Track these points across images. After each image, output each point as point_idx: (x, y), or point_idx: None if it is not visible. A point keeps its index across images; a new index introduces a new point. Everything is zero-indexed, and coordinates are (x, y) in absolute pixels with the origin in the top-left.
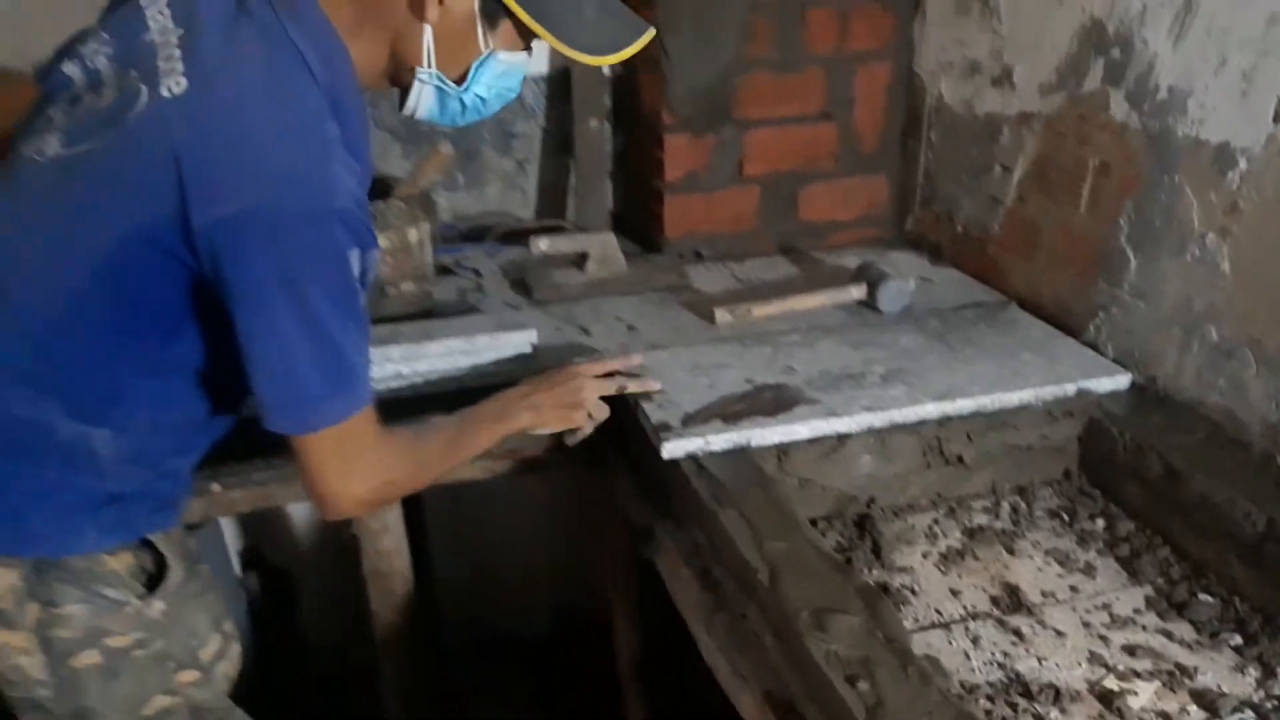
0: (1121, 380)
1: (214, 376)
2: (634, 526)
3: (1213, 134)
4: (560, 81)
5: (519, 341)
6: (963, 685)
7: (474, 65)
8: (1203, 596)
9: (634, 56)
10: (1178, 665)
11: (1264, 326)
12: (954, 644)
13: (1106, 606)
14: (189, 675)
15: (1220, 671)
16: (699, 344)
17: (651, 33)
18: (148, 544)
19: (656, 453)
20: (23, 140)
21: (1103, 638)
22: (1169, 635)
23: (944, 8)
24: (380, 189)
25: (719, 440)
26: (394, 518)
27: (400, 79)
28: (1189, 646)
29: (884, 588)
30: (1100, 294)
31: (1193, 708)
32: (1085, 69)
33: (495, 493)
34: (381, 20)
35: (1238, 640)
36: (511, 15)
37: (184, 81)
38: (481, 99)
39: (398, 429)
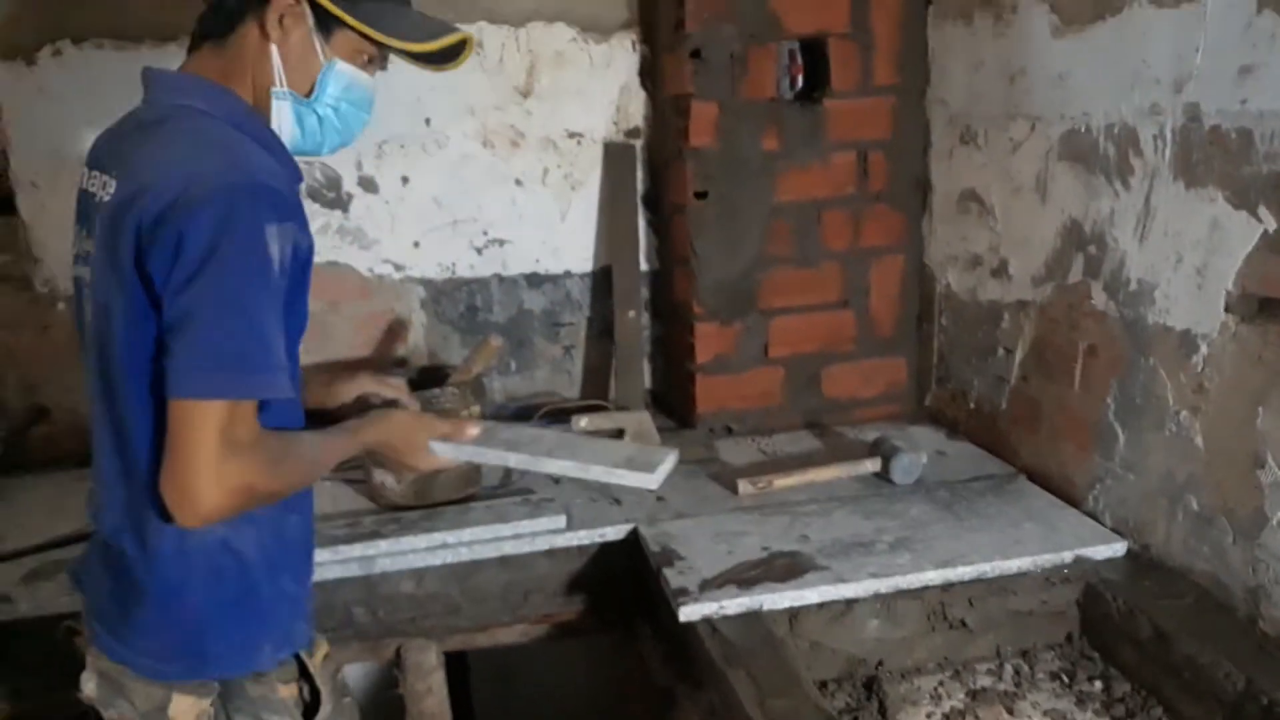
0: (1118, 548)
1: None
2: (658, 689)
3: (1177, 321)
4: (603, 277)
5: (549, 523)
6: None
7: (319, 76)
8: None
9: (670, 257)
10: None
11: (1236, 496)
12: None
13: None
14: None
15: None
16: (722, 513)
17: (470, 34)
18: (306, 676)
19: (675, 616)
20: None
21: None
22: None
23: (947, 208)
24: (436, 377)
25: (733, 605)
26: (438, 680)
27: (265, 106)
28: None
29: None
30: (1097, 466)
31: None
32: (1069, 263)
33: (535, 656)
34: (242, 57)
35: None
36: (341, 22)
37: (111, 182)
38: (334, 110)
39: (271, 433)
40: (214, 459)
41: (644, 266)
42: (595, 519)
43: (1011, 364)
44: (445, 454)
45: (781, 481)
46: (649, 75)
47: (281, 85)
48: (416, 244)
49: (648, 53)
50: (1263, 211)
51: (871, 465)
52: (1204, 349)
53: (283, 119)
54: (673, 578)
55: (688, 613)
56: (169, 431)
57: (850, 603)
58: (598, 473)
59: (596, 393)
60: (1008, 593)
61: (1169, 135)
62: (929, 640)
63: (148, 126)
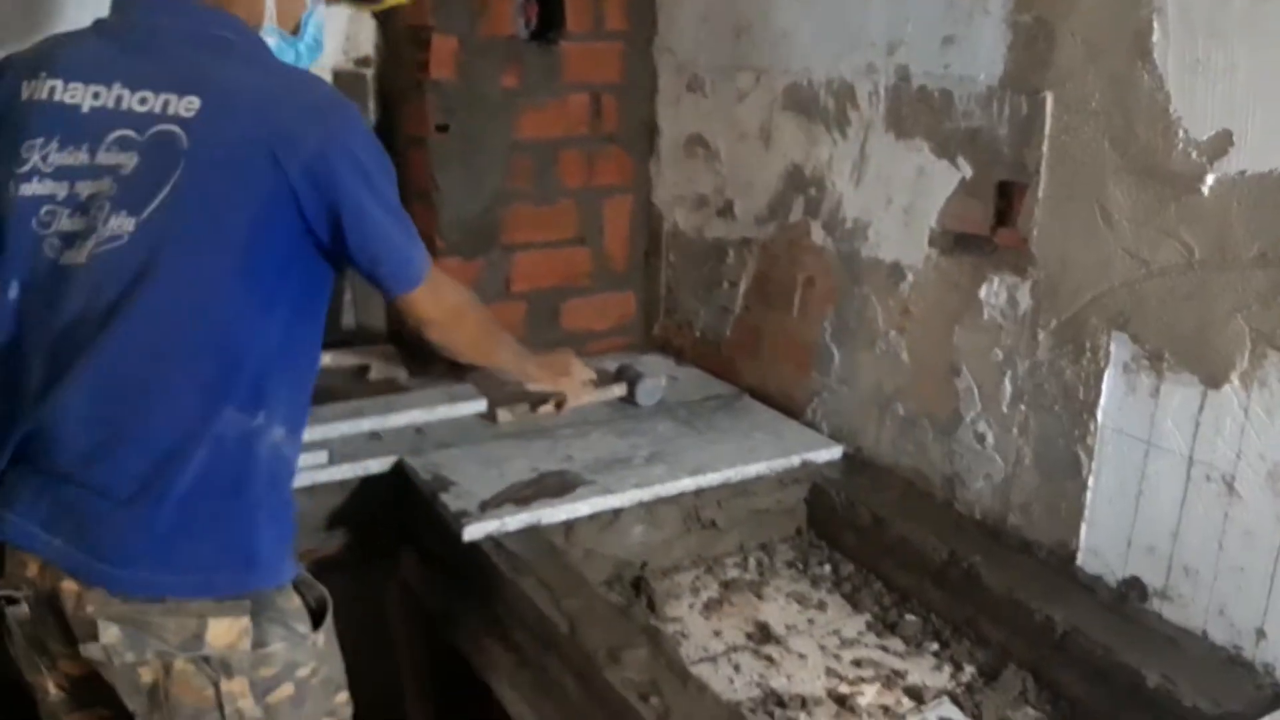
0: (835, 451)
1: (307, 318)
2: (431, 612)
3: (887, 255)
4: None
5: (310, 459)
6: (733, 702)
7: (303, 16)
8: (908, 616)
9: (407, 191)
10: (893, 670)
11: (935, 402)
12: (720, 673)
13: (837, 632)
14: (342, 696)
15: (924, 671)
16: (485, 441)
17: None
18: (311, 586)
19: (457, 538)
20: (42, 267)
21: (835, 655)
22: (885, 648)
23: (675, 151)
24: None
25: (513, 521)
26: None
27: None
28: (900, 655)
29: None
30: (814, 383)
31: (905, 699)
32: (790, 203)
33: None
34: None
35: (935, 646)
36: None
37: (195, 100)
38: (306, 48)
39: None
40: (436, 306)
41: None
42: (356, 453)
43: (735, 296)
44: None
45: (539, 408)
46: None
47: (272, 21)
48: None
49: None
50: (960, 161)
51: (619, 390)
52: (910, 278)
53: None
54: (450, 502)
55: (471, 532)
56: (404, 307)
57: (617, 512)
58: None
59: (329, 328)
60: (748, 494)
61: (882, 92)
62: (685, 540)
63: (185, 44)
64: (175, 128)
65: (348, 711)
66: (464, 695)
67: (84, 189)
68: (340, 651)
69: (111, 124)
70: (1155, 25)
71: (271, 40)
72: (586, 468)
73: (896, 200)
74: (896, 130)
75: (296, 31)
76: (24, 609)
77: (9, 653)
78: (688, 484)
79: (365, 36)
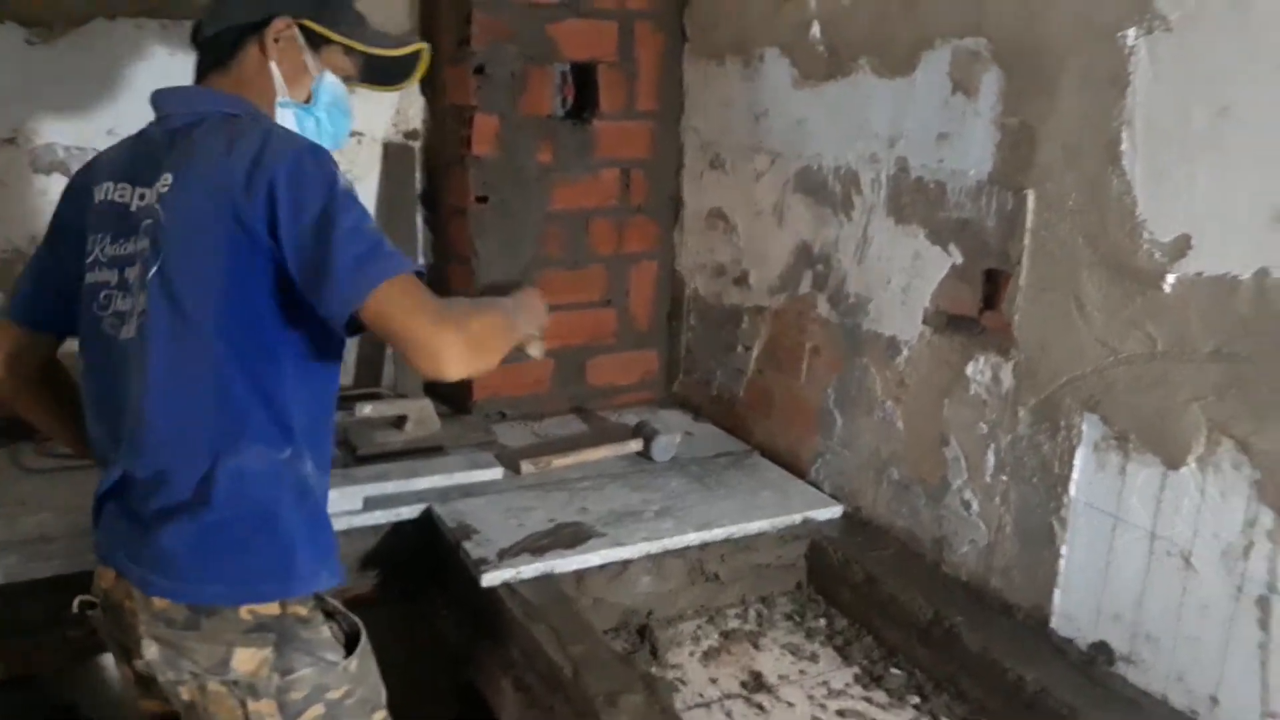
0: (836, 511)
1: (317, 358)
2: (454, 650)
3: (886, 329)
4: None
5: (347, 505)
6: None
7: (313, 86)
8: (894, 670)
9: (448, 255)
10: None
11: (926, 468)
12: (713, 718)
13: (825, 683)
14: (379, 715)
15: None
16: (507, 491)
17: (424, 44)
18: (345, 617)
19: (476, 583)
20: (104, 344)
21: (822, 705)
22: (870, 700)
23: (697, 222)
24: None
25: (528, 570)
26: None
27: (271, 116)
28: (883, 707)
29: (661, 680)
30: (819, 444)
31: None
32: (800, 277)
33: None
34: (245, 75)
35: (917, 700)
36: (326, 39)
37: (169, 177)
38: (326, 115)
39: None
40: (422, 318)
41: (420, 261)
42: (389, 501)
43: (749, 359)
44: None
45: (559, 461)
46: (427, 82)
47: (285, 95)
48: None
49: None
50: (952, 248)
51: (635, 445)
52: (905, 352)
53: (288, 125)
54: (472, 549)
55: (489, 579)
56: (383, 328)
57: (626, 563)
58: None
59: (370, 380)
60: (751, 549)
61: (884, 180)
62: (690, 591)
63: (187, 130)
64: (157, 206)
65: None
66: None
67: (129, 274)
68: (379, 675)
69: (144, 216)
70: (1124, 136)
71: (289, 113)
72: (599, 520)
73: (895, 280)
74: (896, 216)
75: (309, 100)
76: (99, 613)
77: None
78: (693, 538)
79: (414, 112)
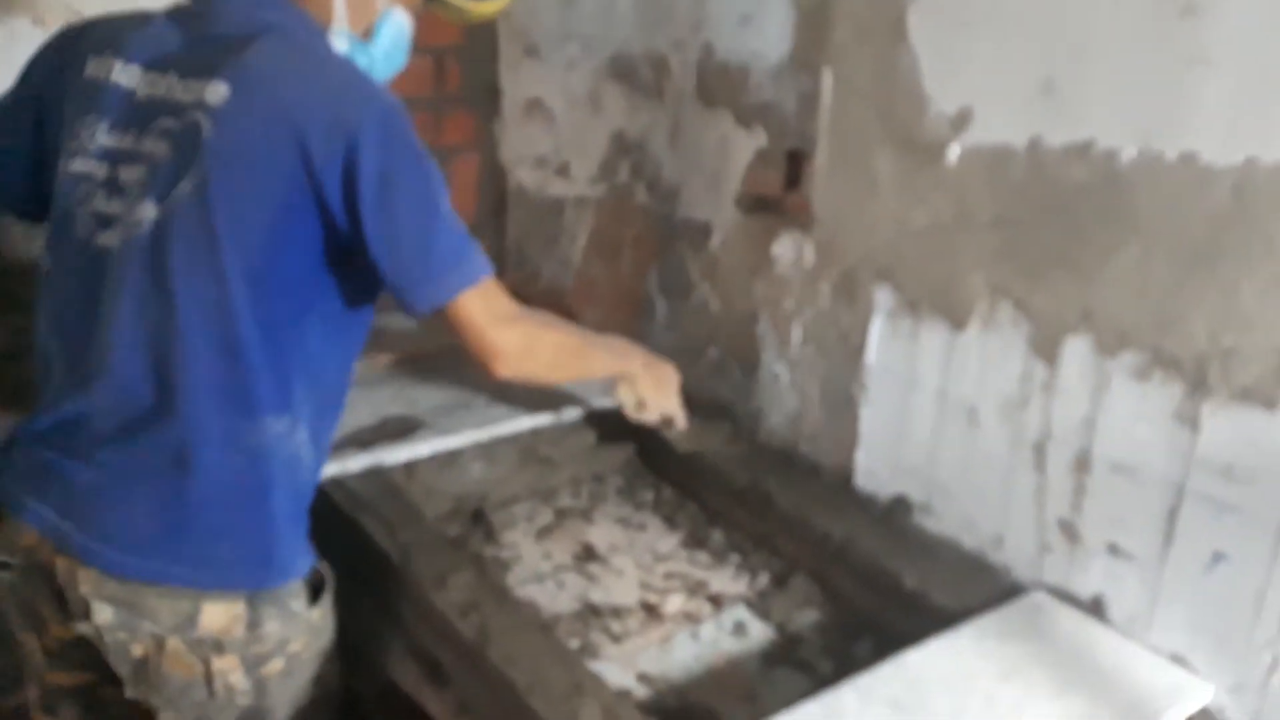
0: None
1: (340, 331)
2: None
3: (698, 215)
4: None
5: None
6: (554, 615)
7: (376, 21)
8: (715, 534)
9: None
10: (698, 580)
11: (740, 345)
12: (547, 590)
13: (653, 549)
14: (329, 664)
15: (725, 580)
16: None
17: None
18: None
19: None
20: (75, 246)
21: (649, 569)
22: (694, 562)
23: (515, 114)
24: None
25: (355, 463)
26: None
27: None
28: (705, 567)
29: (495, 559)
30: (642, 329)
31: (706, 605)
32: (618, 166)
33: None
34: None
35: (737, 559)
36: None
37: (223, 88)
38: (382, 55)
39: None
40: (495, 327)
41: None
42: None
43: (574, 249)
44: None
45: (383, 358)
46: None
47: (343, 24)
48: None
49: None
50: (757, 130)
51: None
52: (717, 236)
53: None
54: None
55: None
56: (459, 329)
57: (455, 453)
58: None
59: None
60: (581, 431)
61: (692, 65)
62: (522, 475)
63: (245, 39)
64: (201, 116)
65: (335, 678)
66: None
67: (124, 173)
68: (334, 622)
69: (159, 111)
70: (910, 12)
71: (342, 43)
72: (429, 412)
73: (707, 165)
74: (705, 100)
75: (368, 36)
76: (13, 575)
77: None
78: (525, 423)
79: None
